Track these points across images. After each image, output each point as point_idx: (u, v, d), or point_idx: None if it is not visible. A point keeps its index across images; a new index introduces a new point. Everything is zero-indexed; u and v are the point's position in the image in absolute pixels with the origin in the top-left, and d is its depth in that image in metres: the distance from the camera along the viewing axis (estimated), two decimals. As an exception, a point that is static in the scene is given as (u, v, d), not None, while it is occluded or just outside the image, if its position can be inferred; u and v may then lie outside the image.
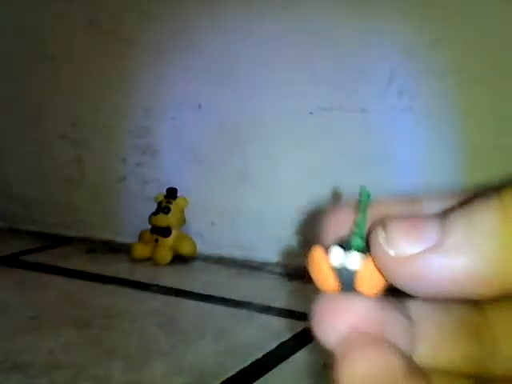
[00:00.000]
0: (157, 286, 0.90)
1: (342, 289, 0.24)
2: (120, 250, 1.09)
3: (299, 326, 0.75)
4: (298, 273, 0.96)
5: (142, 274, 0.96)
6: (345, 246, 0.24)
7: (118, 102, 1.11)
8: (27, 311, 0.79)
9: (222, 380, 0.61)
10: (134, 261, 1.02)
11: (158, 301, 0.85)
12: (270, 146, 0.98)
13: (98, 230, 1.15)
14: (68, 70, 1.14)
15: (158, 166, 1.09)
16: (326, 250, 0.24)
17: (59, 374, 0.62)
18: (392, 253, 0.21)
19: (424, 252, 0.21)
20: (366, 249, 0.23)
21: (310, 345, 0.70)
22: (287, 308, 0.81)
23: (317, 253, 0.24)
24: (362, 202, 0.23)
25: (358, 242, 0.23)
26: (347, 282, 0.24)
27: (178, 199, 1.03)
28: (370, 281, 0.23)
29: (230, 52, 1.00)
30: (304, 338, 0.72)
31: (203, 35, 1.01)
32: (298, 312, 0.80)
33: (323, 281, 0.24)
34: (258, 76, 0.98)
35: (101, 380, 0.61)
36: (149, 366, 0.64)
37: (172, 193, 1.03)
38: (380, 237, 0.22)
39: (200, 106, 1.03)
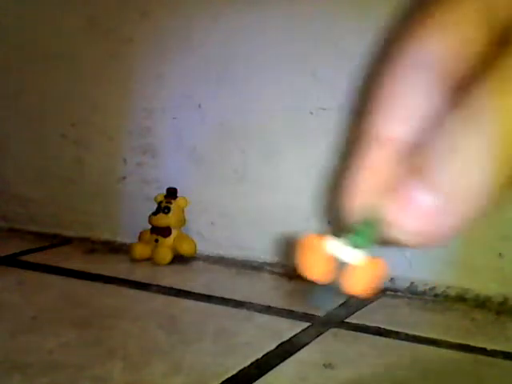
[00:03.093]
0: (157, 286, 0.90)
1: (331, 280, 0.23)
2: (120, 249, 1.09)
3: (299, 326, 0.75)
4: (297, 273, 0.96)
5: (141, 273, 0.96)
6: (347, 240, 0.23)
7: (118, 102, 1.11)
8: (27, 311, 0.79)
9: (222, 380, 0.61)
10: (134, 261, 1.02)
11: (157, 301, 0.85)
12: (270, 146, 0.98)
13: (98, 230, 1.15)
14: (68, 70, 1.14)
15: (158, 166, 1.09)
16: (322, 238, 0.23)
17: (59, 374, 0.62)
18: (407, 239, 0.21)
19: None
20: (367, 250, 0.23)
21: (309, 345, 0.71)
22: (287, 308, 0.81)
23: (317, 241, 0.23)
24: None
25: (363, 241, 0.23)
26: (339, 276, 0.23)
27: (177, 199, 1.03)
28: (362, 282, 0.23)
29: (230, 52, 1.00)
30: (304, 338, 0.72)
31: (203, 35, 1.01)
32: (298, 312, 0.80)
33: (318, 270, 0.23)
34: (258, 76, 0.98)
35: (101, 380, 0.61)
36: (149, 366, 0.64)
37: (172, 193, 1.03)
38: (389, 231, 0.22)
39: (200, 106, 1.03)
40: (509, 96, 0.19)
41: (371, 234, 0.23)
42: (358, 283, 0.23)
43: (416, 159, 0.21)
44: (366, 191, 0.24)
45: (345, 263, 0.23)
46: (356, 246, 0.23)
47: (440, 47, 0.23)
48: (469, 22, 0.22)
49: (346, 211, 0.25)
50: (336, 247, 0.23)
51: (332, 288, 0.23)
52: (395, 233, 0.22)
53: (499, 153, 0.19)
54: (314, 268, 0.24)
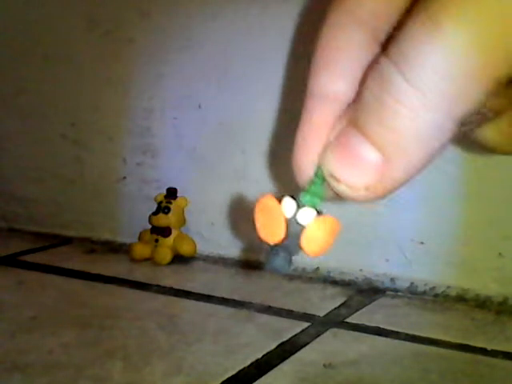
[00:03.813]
0: (157, 286, 0.90)
1: (286, 242, 0.23)
2: (120, 250, 1.09)
3: (299, 326, 0.75)
4: (297, 273, 0.96)
5: (142, 273, 0.96)
6: (298, 200, 0.23)
7: (118, 102, 1.11)
8: (27, 311, 0.79)
9: (222, 380, 0.61)
10: (134, 261, 1.02)
11: (158, 301, 0.85)
12: (270, 146, 0.98)
13: (98, 230, 1.15)
14: (68, 70, 1.14)
15: (158, 166, 1.09)
16: (277, 199, 0.23)
17: (59, 374, 0.62)
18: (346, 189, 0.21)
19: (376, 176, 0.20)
20: (319, 208, 0.23)
21: (309, 345, 0.71)
22: (287, 308, 0.81)
23: (271, 201, 0.23)
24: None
25: (312, 199, 0.23)
26: (294, 236, 0.23)
27: (177, 199, 1.03)
28: (315, 240, 0.22)
29: (229, 52, 1.00)
30: (304, 337, 0.72)
31: (203, 35, 1.01)
32: (298, 312, 0.80)
33: (271, 230, 0.23)
34: (258, 76, 0.98)
35: (101, 380, 0.61)
36: (149, 366, 0.64)
37: (172, 193, 1.03)
38: (329, 179, 0.21)
39: (200, 106, 1.03)
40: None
41: (321, 191, 0.23)
42: (313, 242, 0.23)
43: (356, 113, 0.21)
44: (311, 147, 0.24)
45: (299, 223, 0.23)
46: (308, 205, 0.23)
47: (370, 1, 0.23)
48: None
49: (295, 168, 0.25)
50: (290, 207, 0.23)
51: (288, 250, 0.23)
52: (342, 188, 0.21)
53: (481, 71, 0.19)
54: (269, 230, 0.23)
